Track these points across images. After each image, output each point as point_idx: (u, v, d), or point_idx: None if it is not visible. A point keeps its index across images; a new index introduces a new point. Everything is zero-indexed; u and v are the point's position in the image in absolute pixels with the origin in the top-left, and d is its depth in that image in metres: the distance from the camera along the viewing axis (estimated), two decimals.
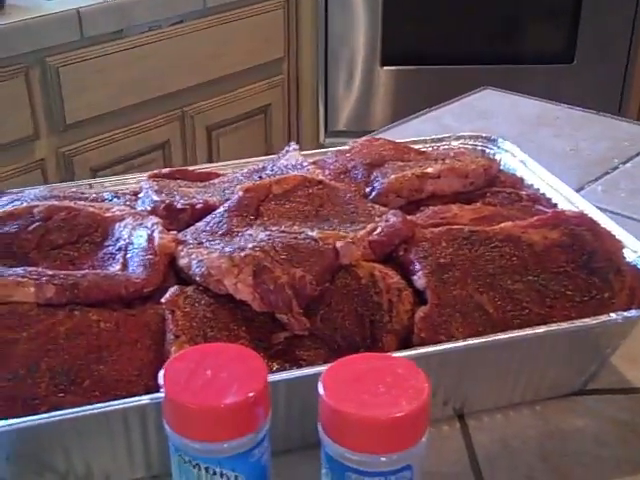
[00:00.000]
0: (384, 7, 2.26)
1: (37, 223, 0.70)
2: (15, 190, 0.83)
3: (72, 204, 0.73)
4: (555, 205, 0.83)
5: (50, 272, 0.65)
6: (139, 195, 0.80)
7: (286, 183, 0.75)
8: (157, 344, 0.64)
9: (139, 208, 0.77)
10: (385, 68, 2.33)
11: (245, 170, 0.85)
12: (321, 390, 0.50)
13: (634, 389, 0.74)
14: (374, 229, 0.70)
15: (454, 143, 0.95)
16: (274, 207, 0.74)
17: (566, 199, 0.83)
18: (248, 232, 0.70)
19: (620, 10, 2.30)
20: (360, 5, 2.26)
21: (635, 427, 0.69)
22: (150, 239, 0.68)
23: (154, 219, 0.72)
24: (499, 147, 0.94)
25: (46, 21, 1.76)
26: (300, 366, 0.64)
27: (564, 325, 0.66)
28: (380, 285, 0.66)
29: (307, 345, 0.65)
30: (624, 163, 1.15)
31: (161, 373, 0.51)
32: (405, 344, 0.66)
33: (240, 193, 0.74)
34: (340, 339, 0.66)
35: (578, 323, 0.66)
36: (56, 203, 0.73)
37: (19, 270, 0.65)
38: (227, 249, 0.67)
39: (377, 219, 0.72)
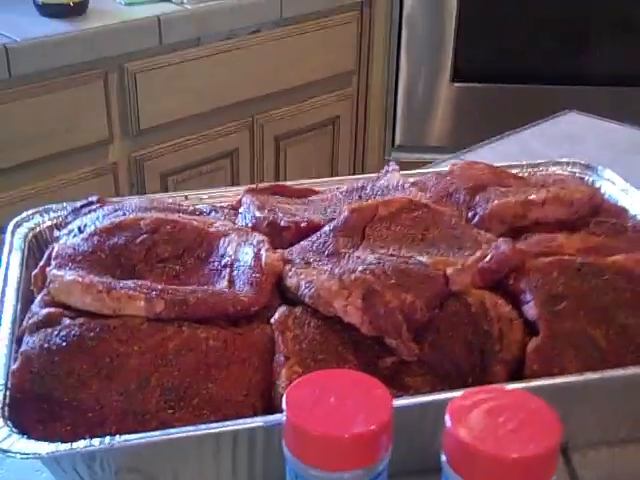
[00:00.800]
0: (457, 23, 2.24)
1: (144, 235, 0.70)
2: (115, 199, 0.84)
3: (177, 217, 0.73)
4: None
5: (159, 287, 0.65)
6: (239, 210, 0.80)
7: (392, 205, 0.74)
8: (264, 364, 0.63)
9: (240, 223, 0.77)
10: (455, 84, 2.31)
11: (343, 189, 0.84)
12: (449, 422, 0.49)
13: None
14: (484, 256, 0.69)
15: (552, 169, 0.93)
16: (380, 229, 0.73)
17: None
18: (356, 254, 0.69)
19: None
20: (433, 20, 2.25)
21: None
22: (257, 257, 0.68)
23: (259, 236, 0.71)
24: (598, 174, 0.92)
25: (126, 27, 1.78)
26: (407, 392, 0.63)
27: None
28: (491, 314, 0.65)
29: (414, 371, 0.65)
30: None
31: (284, 397, 0.51)
32: (512, 375, 0.65)
33: (346, 213, 0.73)
34: (448, 366, 0.65)
35: None
36: (162, 216, 0.73)
37: (129, 283, 0.65)
38: (336, 271, 0.66)
39: (484, 246, 0.71)
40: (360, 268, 0.66)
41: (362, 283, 0.65)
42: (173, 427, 0.58)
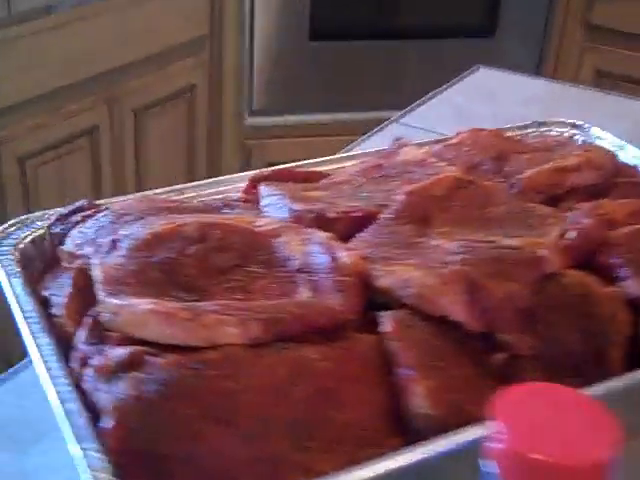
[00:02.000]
0: None
1: (194, 245, 0.60)
2: (103, 201, 0.72)
3: (221, 220, 0.63)
4: None
5: (245, 305, 0.56)
6: (262, 203, 0.71)
7: (442, 184, 0.69)
8: (379, 380, 0.56)
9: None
10: (312, 43, 2.25)
11: (355, 170, 0.77)
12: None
13: None
14: (565, 232, 0.65)
15: (540, 129, 0.90)
16: (439, 212, 0.67)
17: None
18: (432, 243, 0.63)
19: None
20: None
21: None
22: (334, 258, 0.60)
23: (320, 233, 0.63)
24: (586, 132, 0.90)
25: None
26: None
27: None
28: (595, 294, 0.61)
29: (525, 366, 0.60)
30: None
31: (498, 421, 0.44)
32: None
33: (404, 196, 0.66)
34: (560, 356, 0.60)
35: None
36: (204, 220, 0.62)
37: (211, 306, 0.55)
38: (427, 264, 0.60)
39: (550, 221, 0.67)
40: (449, 259, 0.60)
41: (462, 276, 0.59)
42: (313, 471, 0.50)
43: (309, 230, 0.64)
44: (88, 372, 0.54)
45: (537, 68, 2.42)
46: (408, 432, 0.54)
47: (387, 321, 0.57)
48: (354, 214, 0.67)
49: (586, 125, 0.91)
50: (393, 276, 0.59)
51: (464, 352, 0.58)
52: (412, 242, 0.63)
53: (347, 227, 0.66)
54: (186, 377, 0.51)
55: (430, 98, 1.25)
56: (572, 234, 0.64)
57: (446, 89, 1.29)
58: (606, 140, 0.89)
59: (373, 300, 0.60)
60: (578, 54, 2.39)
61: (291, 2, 2.19)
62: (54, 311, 0.61)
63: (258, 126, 2.33)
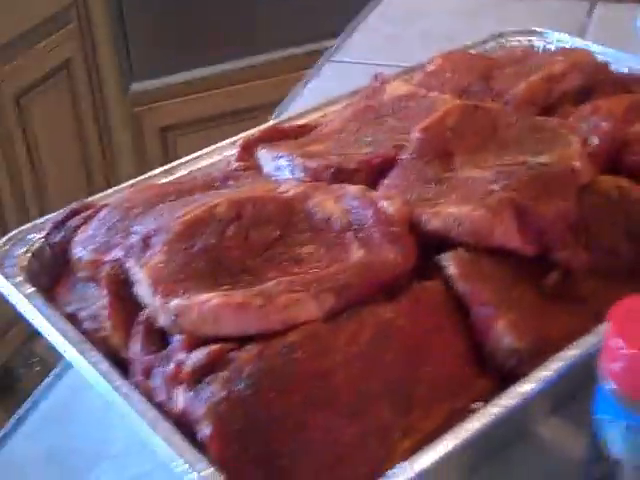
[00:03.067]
0: None
1: (232, 226, 0.56)
2: (97, 197, 0.66)
3: (249, 194, 0.59)
4: None
5: (308, 278, 0.52)
6: (267, 167, 0.67)
7: (453, 113, 0.66)
8: (455, 324, 0.54)
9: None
10: None
11: (347, 114, 0.74)
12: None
13: None
14: (585, 140, 0.64)
15: (500, 41, 0.89)
16: (457, 143, 0.65)
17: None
18: (463, 175, 0.61)
19: None
20: None
21: None
22: (376, 210, 0.57)
23: (352, 187, 0.60)
24: (544, 38, 0.89)
25: None
26: (585, 304, 0.58)
27: None
28: (634, 195, 0.61)
29: (580, 279, 0.59)
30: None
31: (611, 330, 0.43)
32: None
33: (419, 134, 0.64)
34: (612, 262, 0.60)
35: None
36: (232, 197, 0.58)
37: (274, 285, 0.51)
38: (470, 198, 0.58)
39: (563, 131, 0.66)
40: (490, 188, 0.58)
41: (509, 203, 0.57)
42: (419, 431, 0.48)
43: (338, 186, 0.60)
44: (156, 383, 0.50)
45: None
46: (493, 371, 0.53)
47: (451, 263, 0.55)
48: (375, 161, 0.63)
49: (545, 31, 0.90)
50: (441, 216, 0.57)
51: (528, 279, 0.57)
52: (443, 177, 0.61)
53: (369, 175, 0.63)
54: (275, 366, 0.47)
55: (353, 29, 1.21)
56: (594, 140, 0.64)
57: (366, 17, 1.25)
58: (568, 43, 0.88)
59: (426, 244, 0.57)
60: None
61: None
62: (85, 326, 0.56)
63: (143, 91, 2.23)
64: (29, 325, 0.56)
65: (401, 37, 1.14)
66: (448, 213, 0.57)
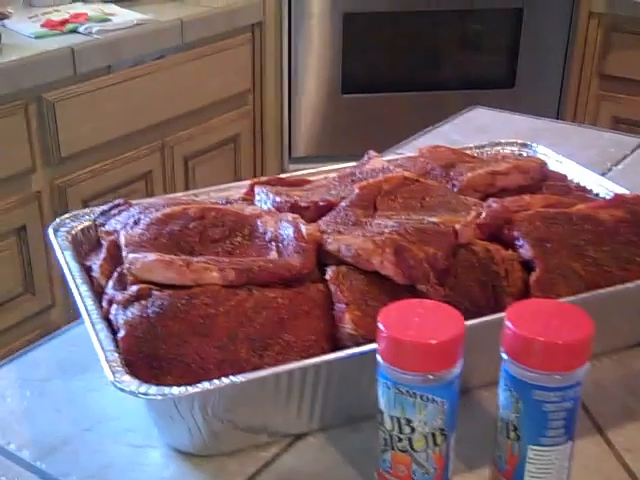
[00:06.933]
0: (343, 41, 2.42)
1: (195, 222, 0.81)
2: (134, 202, 0.94)
3: (218, 206, 0.84)
4: (597, 194, 0.99)
5: (226, 259, 0.77)
6: (256, 199, 0.92)
7: (392, 181, 0.89)
8: (324, 314, 0.76)
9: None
10: (344, 96, 2.49)
11: (334, 176, 0.98)
12: (509, 324, 0.63)
13: None
14: (479, 214, 0.84)
15: (495, 148, 1.10)
16: (387, 201, 0.87)
17: (606, 189, 0.99)
18: (375, 222, 0.83)
19: (555, 40, 2.53)
20: (321, 38, 2.42)
21: None
22: (297, 230, 0.80)
23: (291, 215, 0.84)
24: (534, 150, 1.09)
25: (42, 59, 1.84)
26: None
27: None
28: (496, 257, 0.80)
29: None
30: (615, 165, 1.33)
31: (379, 321, 0.64)
32: None
33: (358, 190, 0.87)
34: (467, 303, 0.79)
35: None
36: (205, 205, 0.84)
37: (202, 259, 0.76)
38: (367, 234, 0.80)
39: (473, 207, 0.87)
40: (386, 230, 0.80)
41: (392, 241, 0.78)
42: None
43: (283, 213, 0.85)
44: (113, 307, 0.75)
45: (557, 118, 2.61)
46: (341, 348, 0.74)
47: (330, 271, 0.77)
48: (320, 203, 0.87)
49: (533, 144, 1.10)
50: (339, 242, 0.79)
51: (392, 298, 0.78)
52: (360, 221, 0.84)
53: (314, 213, 0.87)
54: (178, 303, 0.72)
55: (427, 132, 1.46)
56: (483, 214, 0.84)
57: (442, 125, 1.49)
58: (546, 155, 1.08)
59: (326, 262, 0.80)
60: (595, 103, 2.57)
61: (325, 59, 2.43)
62: (93, 274, 0.83)
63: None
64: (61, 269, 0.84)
65: (460, 144, 1.37)
66: (344, 240, 0.79)
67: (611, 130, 1.54)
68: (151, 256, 0.75)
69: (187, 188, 2.31)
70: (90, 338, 0.73)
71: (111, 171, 2.07)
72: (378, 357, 0.64)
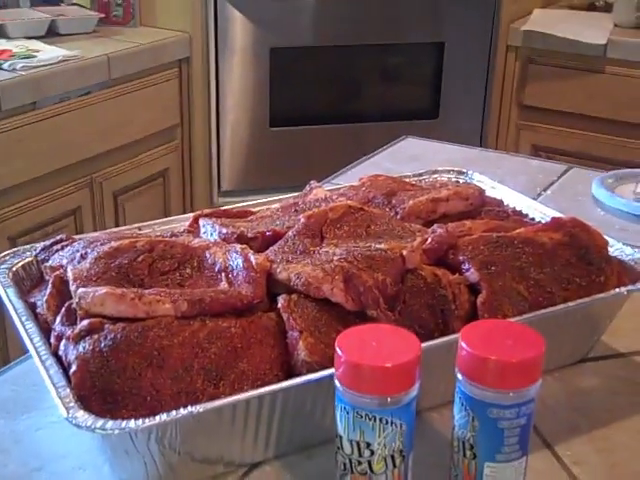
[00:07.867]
0: (270, 75, 2.44)
1: (143, 255, 0.81)
2: (77, 237, 0.92)
3: (166, 239, 0.84)
4: (533, 218, 1.02)
5: (178, 291, 0.76)
6: (202, 231, 0.92)
7: (337, 210, 0.90)
8: (278, 342, 0.76)
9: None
10: (272, 129, 2.51)
11: (277, 207, 0.99)
12: (464, 344, 0.64)
13: (622, 354, 0.93)
14: (425, 240, 0.86)
15: (433, 176, 1.12)
16: (333, 230, 0.88)
17: (540, 212, 1.02)
18: (323, 250, 0.84)
19: (475, 72, 2.61)
20: (248, 73, 2.43)
21: (636, 379, 0.88)
22: (246, 260, 0.81)
23: (239, 245, 0.84)
24: (470, 177, 1.12)
25: None
26: None
27: (581, 301, 0.84)
28: (443, 281, 0.82)
29: None
30: (544, 190, 1.37)
31: (337, 346, 0.64)
32: None
33: (304, 220, 0.88)
34: (417, 327, 0.80)
35: (588, 300, 0.85)
36: (153, 238, 0.84)
37: (152, 291, 0.75)
38: (316, 263, 0.81)
39: (418, 233, 0.88)
40: (335, 258, 0.81)
41: (341, 269, 0.79)
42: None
43: (230, 244, 0.85)
44: (62, 343, 0.74)
45: (480, 146, 2.67)
46: (296, 376, 0.74)
47: (281, 299, 0.77)
48: (267, 234, 0.88)
49: (469, 171, 1.13)
50: (289, 271, 0.80)
51: (344, 323, 0.78)
52: (308, 250, 0.84)
53: (262, 244, 0.87)
54: (131, 336, 0.71)
55: (361, 162, 1.48)
56: (429, 240, 0.85)
57: (375, 154, 1.51)
58: (482, 182, 1.11)
59: (276, 290, 0.80)
60: (515, 132, 2.65)
61: (252, 94, 2.45)
62: (38, 310, 0.82)
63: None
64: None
65: (393, 173, 1.40)
66: (293, 269, 0.80)
67: (536, 158, 1.59)
68: (102, 289, 0.74)
69: (117, 224, 2.28)
70: (32, 376, 0.72)
71: (39, 208, 2.03)
72: (336, 381, 0.65)
